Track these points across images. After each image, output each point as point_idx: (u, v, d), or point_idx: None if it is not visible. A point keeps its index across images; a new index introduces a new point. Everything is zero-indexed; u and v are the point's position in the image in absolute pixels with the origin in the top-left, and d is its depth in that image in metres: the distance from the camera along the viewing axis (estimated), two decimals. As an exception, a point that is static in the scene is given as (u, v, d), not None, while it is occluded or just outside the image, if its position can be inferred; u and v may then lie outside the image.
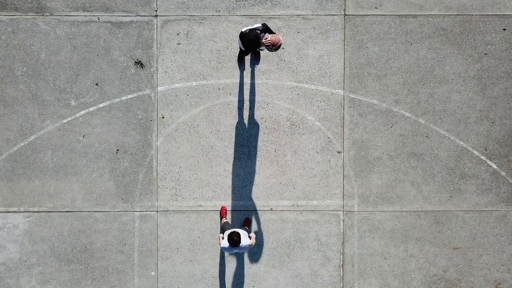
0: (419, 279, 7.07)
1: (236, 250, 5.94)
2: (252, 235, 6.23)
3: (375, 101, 7.03)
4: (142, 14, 7.01)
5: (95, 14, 7.01)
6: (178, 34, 7.01)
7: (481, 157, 7.04)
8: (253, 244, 6.16)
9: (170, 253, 7.05)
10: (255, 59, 6.95)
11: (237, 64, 6.98)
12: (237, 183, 7.04)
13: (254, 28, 5.70)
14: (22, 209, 7.01)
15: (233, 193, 7.05)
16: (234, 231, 5.77)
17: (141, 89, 7.03)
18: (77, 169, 7.01)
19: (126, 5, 7.01)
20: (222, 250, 6.28)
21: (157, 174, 7.02)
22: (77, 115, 7.03)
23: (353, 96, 7.02)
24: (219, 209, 7.02)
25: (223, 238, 6.06)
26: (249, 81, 7.02)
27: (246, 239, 6.00)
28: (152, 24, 7.01)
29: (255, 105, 7.02)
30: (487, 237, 7.05)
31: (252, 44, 5.64)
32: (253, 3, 7.00)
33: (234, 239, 5.78)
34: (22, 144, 7.01)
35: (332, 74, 7.02)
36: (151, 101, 7.02)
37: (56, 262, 7.04)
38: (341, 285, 7.07)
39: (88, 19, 7.00)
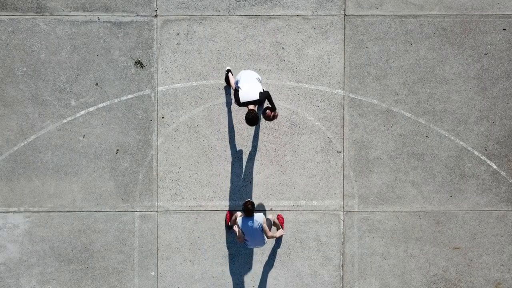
0: (419, 279, 7.07)
1: (250, 223, 6.01)
2: (277, 231, 6.38)
3: (375, 101, 7.03)
4: (142, 14, 7.01)
5: (95, 14, 7.01)
6: (178, 34, 7.01)
7: (481, 157, 7.04)
8: (269, 233, 6.25)
9: (170, 253, 7.05)
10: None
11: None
12: (237, 183, 7.04)
13: (252, 108, 5.78)
14: (22, 209, 7.01)
15: (233, 193, 7.05)
16: (248, 200, 5.98)
17: (141, 89, 7.03)
18: (77, 169, 7.01)
19: (126, 5, 7.01)
20: (242, 234, 6.29)
21: (157, 174, 7.02)
22: (77, 115, 7.03)
23: (353, 96, 7.02)
24: (225, 212, 7.02)
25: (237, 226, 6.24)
26: (249, 81, 7.01)
27: (261, 218, 6.08)
28: (152, 24, 7.01)
29: (255, 105, 7.02)
30: (487, 237, 7.05)
31: (251, 123, 5.71)
32: (253, 3, 7.00)
33: (248, 207, 5.95)
34: (22, 144, 7.01)
35: (332, 74, 7.02)
36: (151, 101, 7.02)
37: (56, 262, 7.04)
38: (341, 285, 7.07)
39: (88, 19, 7.00)
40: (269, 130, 7.02)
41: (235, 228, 6.38)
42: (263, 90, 5.85)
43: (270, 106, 6.07)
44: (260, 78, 6.07)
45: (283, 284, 7.07)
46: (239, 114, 7.02)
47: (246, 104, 5.77)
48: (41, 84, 7.00)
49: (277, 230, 6.62)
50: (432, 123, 7.02)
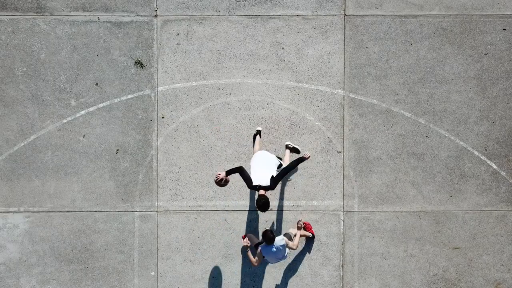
0: (419, 279, 7.07)
1: (274, 249, 5.92)
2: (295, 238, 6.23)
3: (375, 101, 7.03)
4: (142, 14, 7.01)
5: (95, 14, 7.01)
6: (178, 34, 7.01)
7: (481, 157, 7.04)
8: (294, 244, 6.13)
9: (170, 253, 7.05)
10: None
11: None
12: (237, 183, 7.03)
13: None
14: (22, 209, 7.01)
15: (233, 193, 7.05)
16: (267, 229, 5.83)
17: (141, 89, 7.03)
18: (77, 169, 7.01)
19: (126, 5, 7.01)
20: (265, 259, 6.21)
21: (157, 174, 7.02)
22: (77, 115, 7.03)
23: (353, 96, 7.03)
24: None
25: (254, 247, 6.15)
26: (249, 81, 7.02)
27: (282, 240, 5.99)
28: (152, 24, 7.01)
29: (255, 105, 7.02)
30: (487, 237, 7.05)
31: (262, 209, 5.53)
32: (253, 3, 7.00)
33: (270, 236, 5.80)
34: (22, 144, 7.01)
35: (332, 74, 7.02)
36: (151, 101, 7.02)
37: (56, 262, 7.04)
38: (341, 285, 7.07)
39: (88, 19, 7.00)
40: (269, 130, 7.03)
41: (249, 253, 6.16)
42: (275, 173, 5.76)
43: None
44: (277, 162, 6.03)
45: (283, 284, 7.07)
46: (239, 113, 7.02)
47: (256, 188, 5.66)
48: (41, 84, 7.00)
49: (295, 236, 6.36)
50: (432, 123, 7.02)
